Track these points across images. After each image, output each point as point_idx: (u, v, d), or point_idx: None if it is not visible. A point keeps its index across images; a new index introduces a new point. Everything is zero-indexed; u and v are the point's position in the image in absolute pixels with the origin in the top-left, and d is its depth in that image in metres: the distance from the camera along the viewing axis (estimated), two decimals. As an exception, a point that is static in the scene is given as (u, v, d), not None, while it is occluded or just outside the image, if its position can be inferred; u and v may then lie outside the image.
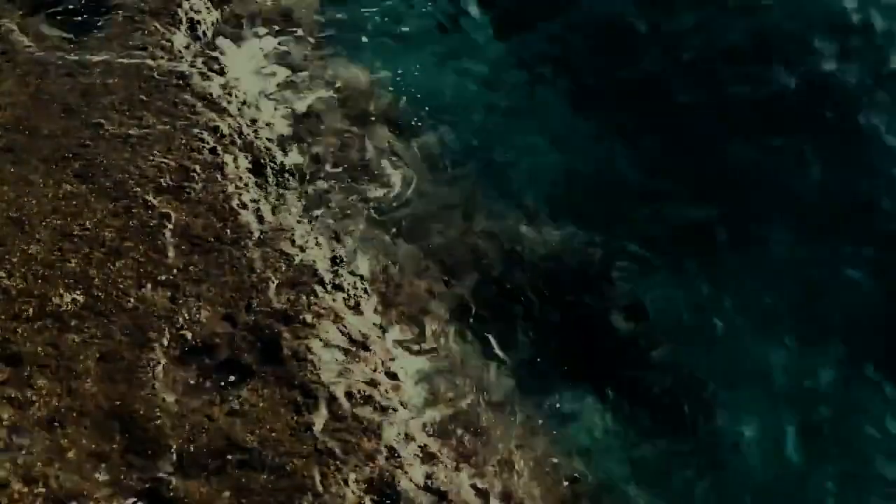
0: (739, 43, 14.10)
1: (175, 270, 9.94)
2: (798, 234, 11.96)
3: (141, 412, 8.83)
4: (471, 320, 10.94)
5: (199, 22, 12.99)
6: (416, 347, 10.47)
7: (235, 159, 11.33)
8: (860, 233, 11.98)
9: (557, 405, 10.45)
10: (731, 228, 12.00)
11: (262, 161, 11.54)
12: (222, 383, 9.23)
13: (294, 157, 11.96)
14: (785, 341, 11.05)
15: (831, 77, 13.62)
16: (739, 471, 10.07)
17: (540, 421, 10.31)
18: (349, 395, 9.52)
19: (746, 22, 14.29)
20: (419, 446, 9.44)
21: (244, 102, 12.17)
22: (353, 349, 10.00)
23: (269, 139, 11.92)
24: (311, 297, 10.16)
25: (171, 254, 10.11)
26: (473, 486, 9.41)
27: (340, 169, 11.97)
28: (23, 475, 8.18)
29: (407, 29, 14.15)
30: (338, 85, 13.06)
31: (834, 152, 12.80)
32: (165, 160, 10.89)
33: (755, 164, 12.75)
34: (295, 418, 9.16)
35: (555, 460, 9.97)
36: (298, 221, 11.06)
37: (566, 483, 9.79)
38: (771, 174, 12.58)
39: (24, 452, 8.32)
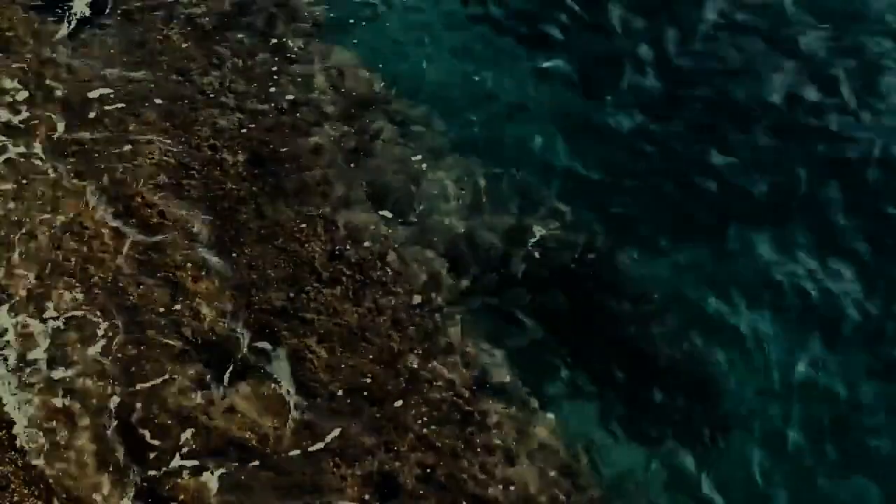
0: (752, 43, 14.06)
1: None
2: (803, 229, 11.86)
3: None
4: (472, 307, 10.92)
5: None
6: (414, 336, 10.46)
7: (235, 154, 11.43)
8: (865, 228, 11.90)
9: (558, 392, 10.43)
10: (730, 223, 11.90)
11: (260, 154, 11.59)
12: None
13: (294, 147, 11.93)
14: (790, 331, 10.96)
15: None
16: (743, 462, 10.00)
17: (539, 409, 10.29)
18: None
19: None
20: (416, 437, 9.49)
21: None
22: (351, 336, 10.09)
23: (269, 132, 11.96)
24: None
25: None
26: (473, 475, 9.44)
27: (340, 157, 11.93)
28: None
29: (406, 20, 14.07)
30: (338, 73, 13.00)
31: (839, 151, 12.73)
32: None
33: (762, 156, 12.63)
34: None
35: (554, 448, 9.96)
36: (297, 212, 11.06)
37: (565, 471, 9.78)
38: (778, 167, 12.47)
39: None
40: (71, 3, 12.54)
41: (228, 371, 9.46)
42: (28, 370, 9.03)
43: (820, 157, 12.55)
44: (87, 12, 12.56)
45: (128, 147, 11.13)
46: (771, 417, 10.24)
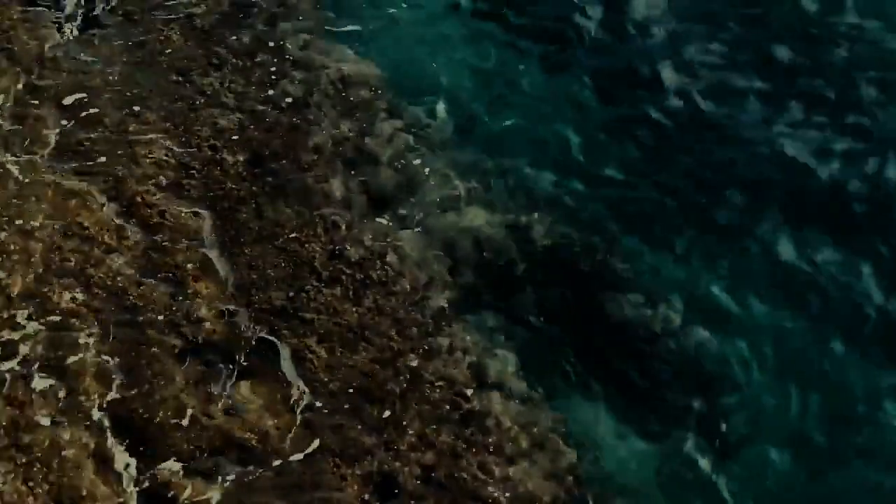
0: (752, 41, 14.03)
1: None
2: (811, 225, 11.80)
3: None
4: (473, 306, 10.91)
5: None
6: (414, 335, 10.43)
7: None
8: (870, 227, 11.83)
9: (560, 392, 10.41)
10: (736, 218, 11.86)
11: (260, 154, 11.57)
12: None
13: (294, 147, 11.91)
14: (803, 329, 10.91)
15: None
16: (751, 460, 9.96)
17: (541, 408, 10.28)
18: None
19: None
20: (417, 436, 9.48)
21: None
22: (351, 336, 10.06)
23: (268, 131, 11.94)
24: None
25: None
26: (473, 475, 9.42)
27: (340, 157, 11.90)
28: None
29: (408, 18, 14.05)
30: (338, 74, 12.99)
31: (845, 146, 12.67)
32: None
33: (767, 154, 12.60)
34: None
35: (556, 448, 9.94)
36: (297, 212, 11.04)
37: (567, 471, 9.76)
38: (781, 165, 12.43)
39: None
40: (71, 4, 12.54)
41: (228, 371, 9.44)
42: (25, 370, 9.01)
43: (837, 154, 12.50)
44: (87, 12, 12.56)
45: (128, 147, 11.12)
46: (781, 415, 10.18)
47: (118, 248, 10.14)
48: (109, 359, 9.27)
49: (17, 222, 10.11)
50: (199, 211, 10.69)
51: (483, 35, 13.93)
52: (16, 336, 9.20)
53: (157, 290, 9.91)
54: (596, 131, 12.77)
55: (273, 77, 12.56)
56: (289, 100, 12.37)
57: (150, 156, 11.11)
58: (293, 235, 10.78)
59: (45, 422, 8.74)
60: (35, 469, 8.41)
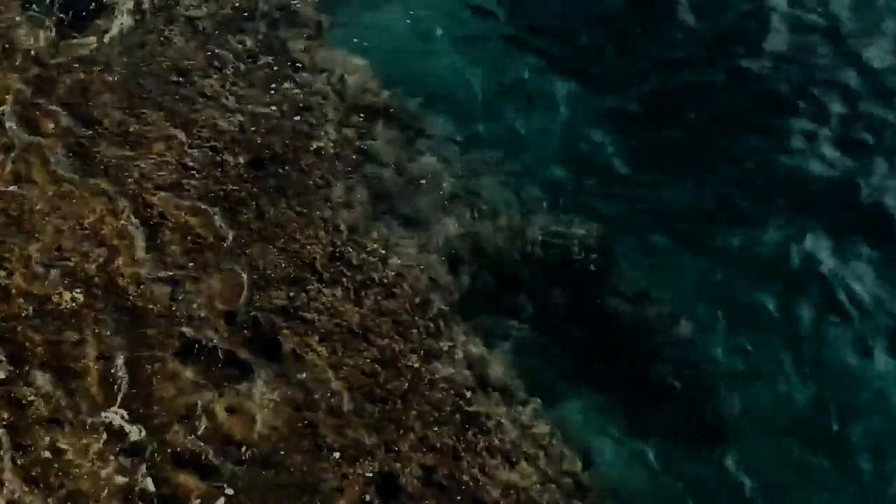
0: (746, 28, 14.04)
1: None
2: (804, 223, 11.86)
3: (140, 410, 8.92)
4: (474, 308, 10.92)
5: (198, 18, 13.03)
6: (415, 336, 10.42)
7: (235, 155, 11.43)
8: (865, 223, 11.88)
9: (560, 394, 10.44)
10: (734, 219, 11.92)
11: (261, 156, 11.54)
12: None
13: (295, 149, 11.89)
14: (797, 332, 10.96)
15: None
16: (747, 465, 9.98)
17: (542, 411, 10.29)
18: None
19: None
20: (418, 437, 9.45)
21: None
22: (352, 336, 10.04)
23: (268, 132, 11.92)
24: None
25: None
26: (474, 476, 9.41)
27: (341, 159, 11.91)
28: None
29: (409, 21, 14.09)
30: (340, 77, 13.01)
31: (840, 143, 12.71)
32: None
33: (762, 151, 12.66)
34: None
35: (556, 450, 9.94)
36: (298, 213, 11.03)
37: (567, 473, 9.76)
38: (776, 162, 12.48)
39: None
40: (71, 4, 12.52)
41: (229, 371, 9.42)
42: (26, 370, 8.97)
43: (838, 157, 12.57)
44: (88, 13, 12.54)
45: (128, 147, 11.10)
46: (776, 419, 10.24)
47: (118, 247, 10.11)
48: (110, 360, 9.22)
49: (17, 222, 10.08)
50: (200, 210, 10.66)
51: (485, 37, 14.00)
52: (17, 337, 9.16)
53: (157, 290, 9.87)
54: (596, 134, 12.84)
55: (274, 79, 12.56)
56: (290, 102, 12.38)
57: (150, 156, 11.09)
58: (294, 236, 10.77)
59: (46, 423, 8.69)
60: (36, 470, 8.36)
